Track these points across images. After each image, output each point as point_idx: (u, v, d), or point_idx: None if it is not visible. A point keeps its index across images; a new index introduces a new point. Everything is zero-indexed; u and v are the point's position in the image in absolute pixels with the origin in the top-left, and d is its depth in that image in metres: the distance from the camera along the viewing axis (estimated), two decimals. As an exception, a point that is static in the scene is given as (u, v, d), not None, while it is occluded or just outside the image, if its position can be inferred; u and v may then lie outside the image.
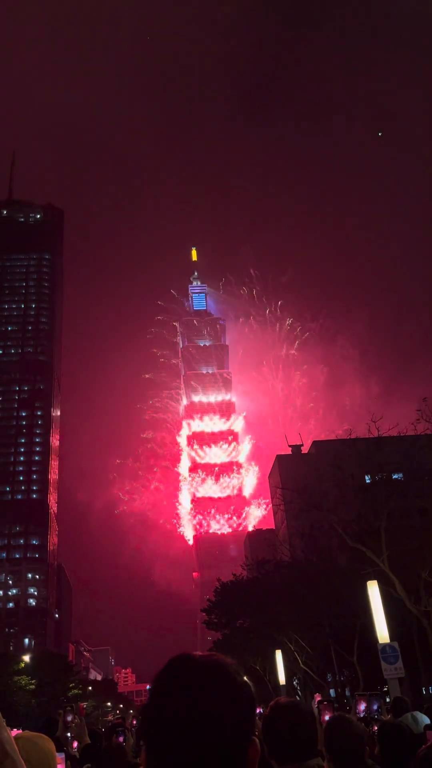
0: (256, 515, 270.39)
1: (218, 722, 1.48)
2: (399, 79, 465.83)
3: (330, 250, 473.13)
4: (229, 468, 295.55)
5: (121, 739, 8.46)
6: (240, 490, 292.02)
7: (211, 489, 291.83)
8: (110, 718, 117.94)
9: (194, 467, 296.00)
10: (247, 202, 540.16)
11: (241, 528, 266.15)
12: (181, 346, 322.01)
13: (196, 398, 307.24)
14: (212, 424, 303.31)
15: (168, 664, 1.60)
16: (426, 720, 8.60)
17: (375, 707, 7.25)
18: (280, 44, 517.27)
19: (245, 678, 1.63)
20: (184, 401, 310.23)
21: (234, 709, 1.52)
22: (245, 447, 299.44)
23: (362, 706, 7.07)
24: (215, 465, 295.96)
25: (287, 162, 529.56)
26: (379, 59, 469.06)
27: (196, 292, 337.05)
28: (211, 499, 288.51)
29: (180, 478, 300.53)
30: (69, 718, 8.15)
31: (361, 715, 8.22)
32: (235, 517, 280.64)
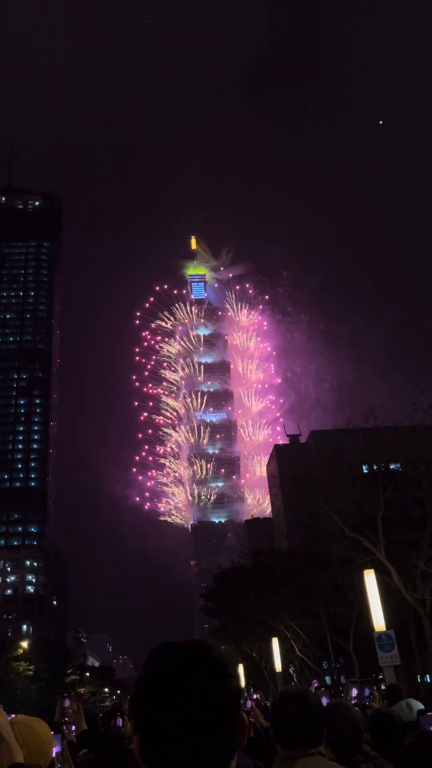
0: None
1: (206, 700, 1.52)
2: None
3: (355, 250, 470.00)
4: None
5: (120, 722, 8.53)
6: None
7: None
8: (107, 704, 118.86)
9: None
10: (253, 195, 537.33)
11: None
12: (180, 334, 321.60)
13: (197, 388, 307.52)
14: (213, 415, 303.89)
15: (152, 652, 1.63)
16: (420, 707, 8.64)
17: (366, 693, 7.32)
18: (286, 35, 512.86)
19: (226, 656, 1.66)
20: (183, 390, 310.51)
21: (220, 687, 1.55)
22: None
23: (354, 693, 7.13)
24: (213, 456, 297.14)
25: (302, 158, 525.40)
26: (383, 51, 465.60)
27: (195, 281, 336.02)
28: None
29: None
30: (66, 704, 8.21)
31: (354, 702, 8.29)
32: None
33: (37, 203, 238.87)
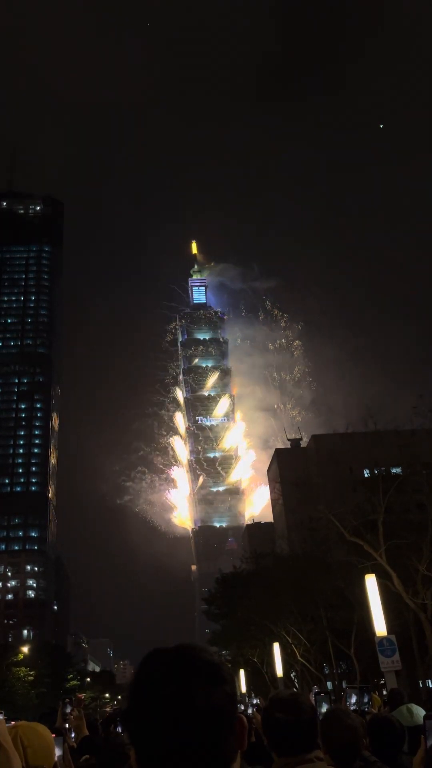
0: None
1: (196, 706, 1.47)
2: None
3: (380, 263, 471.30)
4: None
5: (119, 728, 8.52)
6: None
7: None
8: (108, 709, 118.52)
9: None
10: (258, 199, 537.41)
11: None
12: (180, 339, 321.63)
13: (196, 393, 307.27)
14: (213, 419, 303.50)
15: (141, 661, 1.60)
16: (422, 712, 8.63)
17: (366, 699, 7.28)
18: (292, 38, 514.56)
19: (218, 659, 1.61)
20: (184, 395, 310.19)
21: (211, 692, 1.51)
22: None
23: (353, 699, 7.08)
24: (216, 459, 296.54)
25: (300, 161, 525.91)
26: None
27: (196, 285, 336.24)
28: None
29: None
30: (68, 710, 8.20)
31: (353, 708, 8.25)
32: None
33: (37, 207, 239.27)
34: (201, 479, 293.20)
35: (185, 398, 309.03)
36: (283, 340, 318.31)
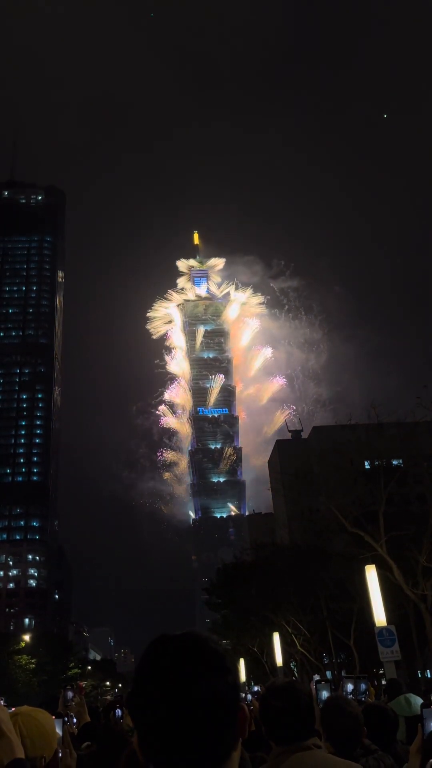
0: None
1: (201, 694, 1.50)
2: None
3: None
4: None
5: (118, 713, 8.55)
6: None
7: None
8: (109, 697, 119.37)
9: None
10: (265, 194, 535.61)
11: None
12: (181, 331, 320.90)
13: (200, 384, 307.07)
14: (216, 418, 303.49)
15: (148, 646, 1.61)
16: (420, 702, 8.67)
17: (362, 688, 7.32)
18: (295, 30, 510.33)
19: (223, 649, 1.64)
20: (187, 387, 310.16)
21: (215, 681, 1.53)
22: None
23: (350, 688, 7.11)
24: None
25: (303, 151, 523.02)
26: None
27: (198, 276, 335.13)
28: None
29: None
30: (69, 696, 8.22)
31: (349, 697, 8.25)
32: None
33: (39, 197, 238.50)
34: (203, 469, 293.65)
35: (185, 388, 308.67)
36: (303, 339, 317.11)
